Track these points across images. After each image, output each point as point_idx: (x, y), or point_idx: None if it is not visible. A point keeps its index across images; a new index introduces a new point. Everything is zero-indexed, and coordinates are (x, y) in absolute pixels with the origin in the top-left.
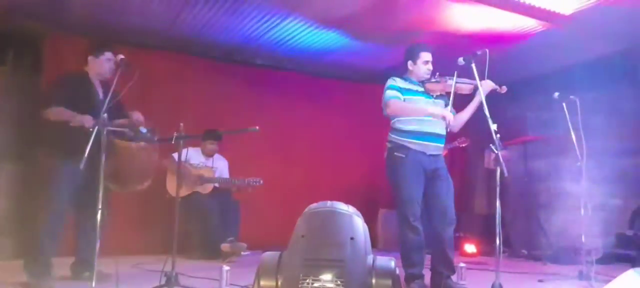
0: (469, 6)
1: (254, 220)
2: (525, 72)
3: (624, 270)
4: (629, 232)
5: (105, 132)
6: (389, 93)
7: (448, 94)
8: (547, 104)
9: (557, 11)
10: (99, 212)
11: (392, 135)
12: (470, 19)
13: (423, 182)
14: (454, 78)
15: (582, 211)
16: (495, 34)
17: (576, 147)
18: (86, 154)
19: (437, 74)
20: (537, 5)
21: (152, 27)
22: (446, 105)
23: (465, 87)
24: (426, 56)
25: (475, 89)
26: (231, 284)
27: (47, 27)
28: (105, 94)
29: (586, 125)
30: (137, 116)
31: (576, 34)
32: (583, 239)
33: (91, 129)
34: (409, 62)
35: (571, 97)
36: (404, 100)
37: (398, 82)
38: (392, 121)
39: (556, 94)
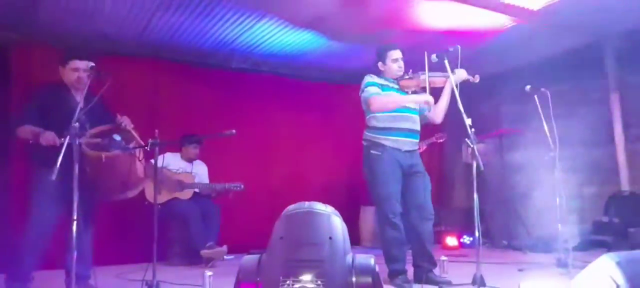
0: (441, 3)
1: (235, 224)
2: (498, 66)
3: (600, 255)
4: (604, 219)
5: (77, 142)
6: (369, 90)
7: (423, 88)
8: (520, 97)
9: (526, 7)
10: (74, 222)
11: (368, 133)
12: (442, 17)
13: (400, 178)
14: (426, 72)
15: (558, 200)
16: (468, 30)
17: (549, 138)
18: (58, 164)
19: (410, 70)
20: (506, 1)
21: (124, 34)
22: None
23: (438, 80)
24: (394, 54)
25: (448, 79)
26: None
27: (16, 36)
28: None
29: (558, 116)
30: (123, 120)
31: (545, 28)
32: (560, 227)
33: (63, 139)
34: (379, 63)
35: (542, 89)
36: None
37: (374, 78)
38: (368, 119)
39: (528, 87)
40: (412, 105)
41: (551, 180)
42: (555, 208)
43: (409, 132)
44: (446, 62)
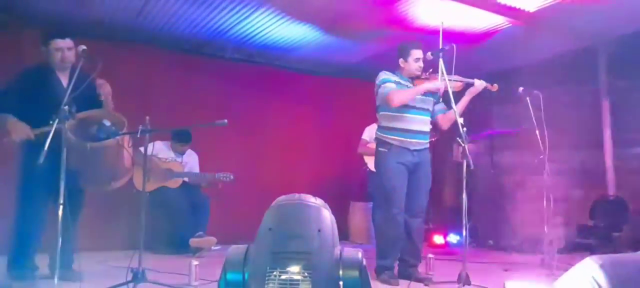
0: (437, 1)
1: (225, 215)
2: (492, 66)
3: (583, 258)
4: (590, 223)
5: (66, 126)
6: (387, 86)
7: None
8: (512, 98)
9: (521, 8)
10: (61, 207)
11: (378, 132)
12: (438, 15)
13: (406, 176)
14: (444, 74)
15: (545, 203)
16: (464, 30)
17: (539, 141)
18: (46, 147)
19: (431, 70)
20: (502, 2)
21: (117, 19)
22: (436, 103)
23: (455, 84)
24: (417, 53)
25: (466, 85)
26: (200, 279)
27: (5, 18)
28: (76, 84)
29: (549, 119)
30: (103, 86)
31: (540, 30)
32: (546, 229)
33: (51, 122)
34: (400, 60)
35: (535, 91)
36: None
37: (390, 75)
38: (379, 116)
39: (520, 89)
40: (424, 104)
41: (539, 182)
42: (542, 210)
43: (417, 133)
44: (441, 61)
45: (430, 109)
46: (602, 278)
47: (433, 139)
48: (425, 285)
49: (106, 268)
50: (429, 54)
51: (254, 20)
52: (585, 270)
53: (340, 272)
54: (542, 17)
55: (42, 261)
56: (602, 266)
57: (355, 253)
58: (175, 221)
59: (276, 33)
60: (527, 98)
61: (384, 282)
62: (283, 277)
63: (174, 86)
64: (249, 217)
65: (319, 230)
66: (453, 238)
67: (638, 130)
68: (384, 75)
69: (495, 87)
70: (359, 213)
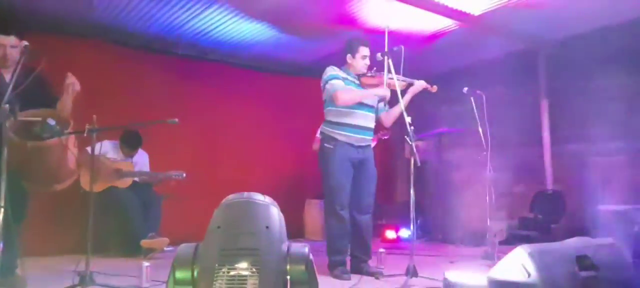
0: (387, 3)
1: (178, 215)
2: (441, 67)
3: None
4: (530, 215)
5: (7, 124)
6: (334, 83)
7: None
8: (458, 98)
9: (467, 11)
10: (1, 210)
11: (324, 127)
12: (388, 17)
13: (351, 172)
14: (390, 73)
15: (488, 197)
16: (411, 32)
17: (482, 138)
18: None
19: (374, 69)
20: (449, 5)
21: (65, 13)
22: (380, 100)
23: (400, 83)
24: (364, 51)
25: (409, 85)
26: (152, 280)
27: None
28: (18, 80)
29: (492, 118)
30: (71, 80)
31: (484, 33)
32: (489, 223)
33: None
34: (348, 55)
35: (478, 91)
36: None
37: (337, 71)
38: (325, 111)
39: (465, 89)
40: (369, 101)
41: (483, 178)
42: (485, 205)
43: (362, 129)
44: (390, 61)
45: (375, 105)
46: (530, 264)
47: (386, 137)
48: (376, 278)
49: (52, 273)
50: (379, 54)
51: (207, 17)
52: (516, 258)
53: (288, 267)
54: (487, 20)
55: None
56: (530, 254)
57: (302, 248)
58: (126, 222)
59: (229, 30)
60: (471, 97)
61: (336, 277)
62: (231, 273)
63: (123, 83)
64: (203, 217)
65: (267, 227)
66: (404, 233)
67: (573, 128)
68: (331, 70)
69: (435, 88)
70: (314, 211)
